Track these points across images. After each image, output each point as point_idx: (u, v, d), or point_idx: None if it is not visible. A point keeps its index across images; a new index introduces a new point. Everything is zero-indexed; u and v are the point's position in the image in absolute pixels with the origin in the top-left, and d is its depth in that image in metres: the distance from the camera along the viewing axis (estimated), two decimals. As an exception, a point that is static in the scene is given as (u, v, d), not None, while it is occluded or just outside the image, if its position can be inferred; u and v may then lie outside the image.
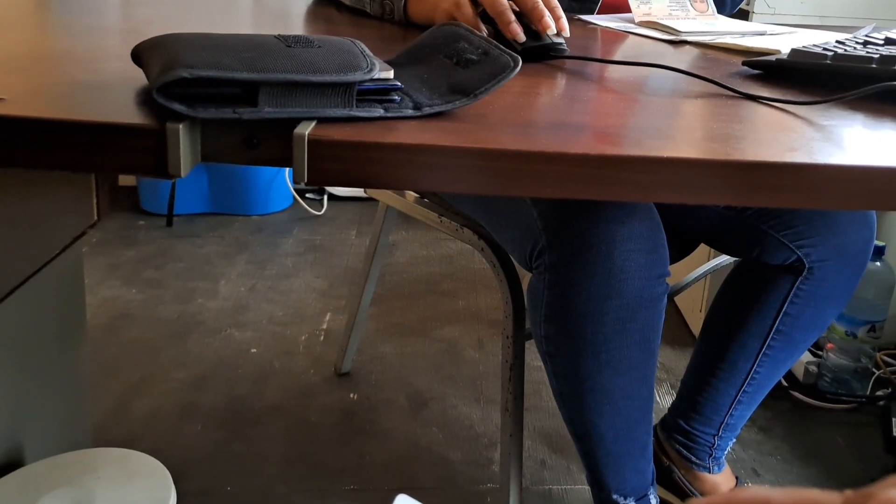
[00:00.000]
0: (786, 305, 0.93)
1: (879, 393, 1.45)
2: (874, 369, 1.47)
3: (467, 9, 0.72)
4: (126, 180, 2.27)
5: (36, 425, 0.93)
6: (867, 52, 0.66)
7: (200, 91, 0.42)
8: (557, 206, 0.77)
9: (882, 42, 0.71)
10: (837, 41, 0.72)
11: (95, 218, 0.81)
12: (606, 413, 0.84)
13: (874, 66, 0.63)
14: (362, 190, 2.08)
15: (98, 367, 1.43)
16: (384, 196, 1.24)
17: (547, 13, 0.70)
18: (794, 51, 0.68)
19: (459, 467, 1.24)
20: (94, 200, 0.81)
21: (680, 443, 1.05)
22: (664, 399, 1.42)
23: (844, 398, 1.43)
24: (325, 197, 2.28)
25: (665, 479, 1.06)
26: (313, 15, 0.93)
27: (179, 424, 1.30)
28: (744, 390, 0.99)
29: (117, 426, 1.29)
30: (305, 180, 0.43)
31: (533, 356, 0.94)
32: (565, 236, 0.76)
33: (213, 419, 1.32)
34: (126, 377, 1.41)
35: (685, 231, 1.00)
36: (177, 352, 1.51)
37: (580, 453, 0.91)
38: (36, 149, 0.42)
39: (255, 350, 1.53)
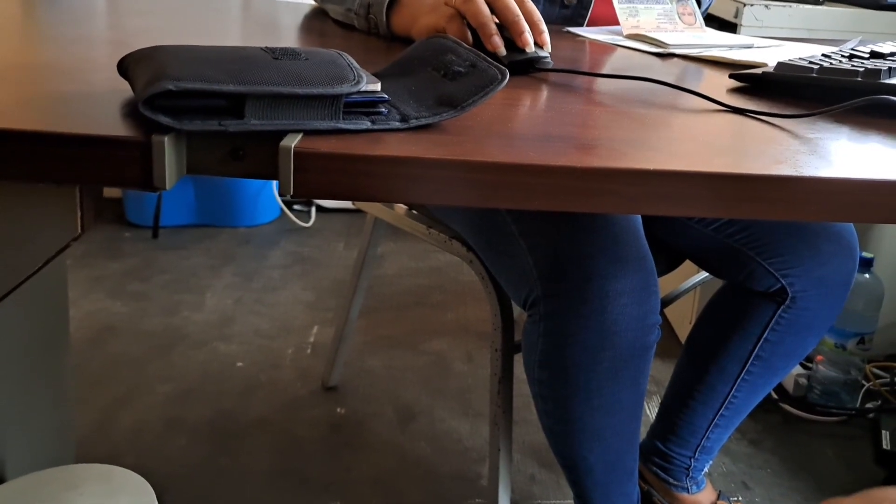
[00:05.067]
0: (767, 332, 0.94)
1: (869, 405, 1.46)
2: (864, 381, 1.48)
3: (458, 23, 0.72)
4: (111, 192, 2.25)
5: (18, 441, 0.91)
6: (852, 66, 0.66)
7: (186, 103, 0.41)
8: (553, 256, 0.78)
9: (867, 55, 0.72)
10: (823, 54, 0.72)
11: (80, 231, 0.81)
12: (596, 449, 0.86)
13: (859, 79, 0.64)
14: (350, 201, 2.08)
15: (82, 380, 1.41)
16: (372, 208, 1.23)
17: (527, 29, 0.70)
18: (780, 64, 0.69)
19: (447, 482, 1.23)
20: (79, 213, 0.80)
21: (657, 465, 1.06)
22: (654, 412, 1.42)
23: (834, 410, 1.43)
24: (313, 209, 2.27)
25: (645, 502, 1.07)
26: (306, 27, 0.93)
27: (164, 439, 1.28)
28: (721, 414, 1.00)
29: (101, 441, 1.27)
30: (291, 193, 0.43)
31: (522, 369, 0.94)
32: (560, 289, 0.77)
33: (199, 433, 1.30)
34: (110, 391, 1.40)
35: (672, 247, 1.01)
36: (162, 365, 1.49)
37: (568, 480, 0.92)
38: (20, 161, 0.42)
39: (241, 363, 1.51)
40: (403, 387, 1.47)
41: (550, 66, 0.70)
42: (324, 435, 1.32)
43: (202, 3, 1.04)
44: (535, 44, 0.70)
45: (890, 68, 0.65)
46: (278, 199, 2.23)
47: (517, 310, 0.91)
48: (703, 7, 1.09)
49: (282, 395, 1.42)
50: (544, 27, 0.72)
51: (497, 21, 0.71)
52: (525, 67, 0.70)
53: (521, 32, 0.69)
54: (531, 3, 0.73)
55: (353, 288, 1.37)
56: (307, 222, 2.21)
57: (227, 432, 1.31)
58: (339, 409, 1.39)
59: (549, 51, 0.71)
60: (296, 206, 2.27)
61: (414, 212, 1.10)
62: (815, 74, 0.66)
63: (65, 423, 1.06)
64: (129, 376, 1.45)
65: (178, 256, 1.96)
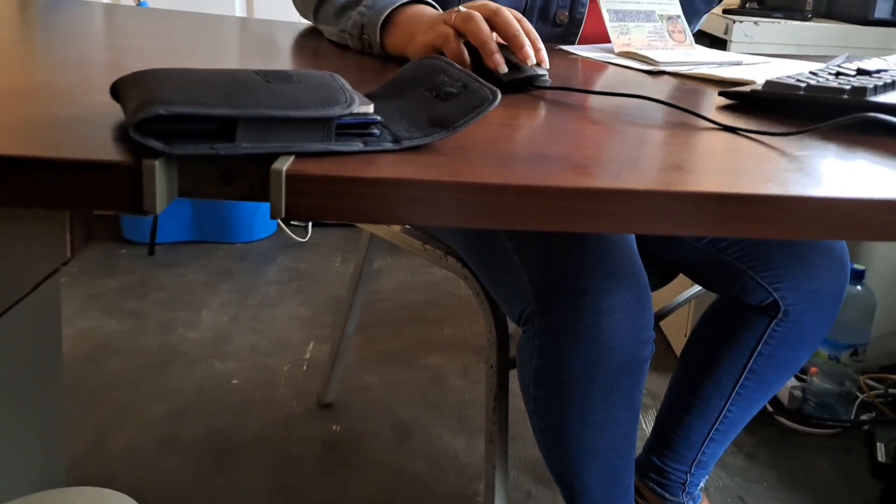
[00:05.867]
0: (760, 345, 0.95)
1: (864, 417, 1.46)
2: (858, 393, 1.48)
3: (455, 43, 0.72)
4: (99, 211, 2.25)
5: (9, 463, 0.91)
6: (839, 83, 0.67)
7: (177, 127, 0.42)
8: (547, 272, 0.79)
9: (854, 73, 0.73)
10: (811, 72, 0.73)
11: (69, 255, 0.80)
12: (592, 465, 0.86)
13: (845, 97, 0.65)
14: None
15: (76, 398, 1.41)
16: (368, 224, 1.23)
17: (528, 43, 0.71)
18: (768, 82, 0.70)
19: (444, 499, 1.22)
20: (68, 238, 0.80)
21: (654, 480, 1.06)
22: (650, 426, 1.42)
23: (829, 423, 1.43)
24: (310, 224, 2.28)
25: None
26: (300, 47, 0.93)
27: (158, 458, 1.27)
28: (716, 428, 1.00)
29: (95, 460, 1.26)
30: (283, 215, 0.43)
31: (518, 384, 0.94)
32: (554, 304, 0.78)
33: (194, 452, 1.29)
34: (104, 409, 1.39)
35: (665, 261, 1.02)
36: (157, 383, 1.48)
37: (564, 497, 0.92)
38: (9, 185, 0.42)
39: (236, 381, 1.51)
40: (400, 403, 1.47)
41: (548, 84, 0.71)
42: (319, 453, 1.31)
43: (198, 24, 1.05)
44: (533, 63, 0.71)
45: (875, 86, 0.66)
46: (274, 215, 2.23)
47: (512, 325, 0.91)
48: (694, 25, 1.10)
49: (277, 412, 1.41)
50: (542, 45, 0.73)
51: (497, 39, 0.72)
52: (523, 85, 0.71)
53: (522, 47, 0.70)
54: (528, 23, 0.73)
55: (349, 303, 1.36)
56: (304, 238, 2.21)
57: (223, 451, 1.30)
58: (334, 427, 1.39)
59: (548, 67, 0.72)
60: (292, 222, 2.28)
61: (409, 228, 1.10)
62: (802, 92, 0.67)
63: (57, 444, 1.05)
64: (124, 395, 1.44)
65: (174, 273, 1.96)
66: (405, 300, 1.89)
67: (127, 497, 0.85)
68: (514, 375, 0.95)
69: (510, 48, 0.71)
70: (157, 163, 0.41)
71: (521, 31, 0.71)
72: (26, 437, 0.95)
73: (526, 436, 1.38)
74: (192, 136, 0.42)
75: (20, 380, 0.93)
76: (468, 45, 0.72)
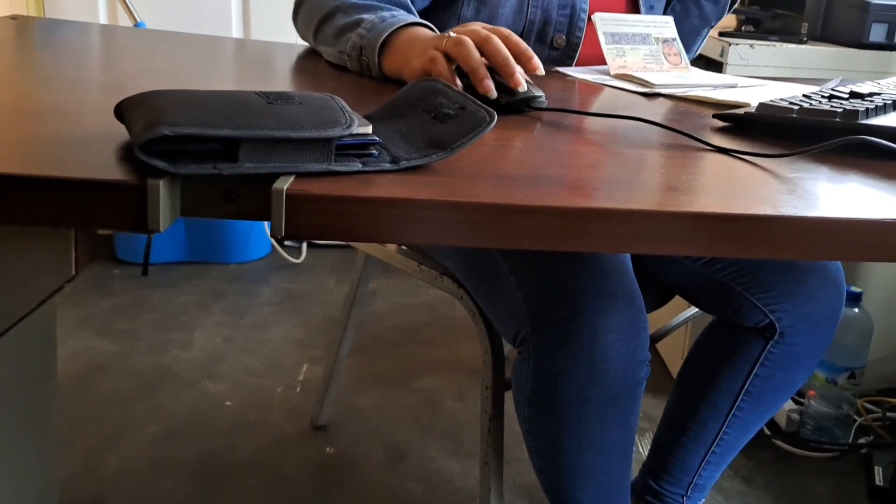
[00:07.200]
0: (756, 367, 0.95)
1: (862, 440, 1.46)
2: (856, 416, 1.48)
3: (443, 66, 0.73)
4: (102, 230, 2.25)
5: (2, 484, 0.90)
6: (831, 107, 0.68)
7: (182, 147, 0.42)
8: (542, 292, 0.79)
9: (847, 96, 0.74)
10: (804, 95, 0.74)
11: (73, 272, 0.80)
12: (587, 488, 0.86)
13: (838, 119, 0.66)
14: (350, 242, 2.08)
15: (69, 419, 1.39)
16: (363, 245, 1.24)
17: (519, 70, 0.71)
18: (761, 105, 0.71)
19: (440, 522, 1.21)
20: (73, 255, 0.80)
21: (649, 503, 1.05)
22: (646, 449, 1.41)
23: (827, 446, 1.43)
24: (304, 245, 2.28)
25: None
26: (299, 68, 0.94)
27: (151, 480, 1.26)
28: (713, 450, 1.00)
29: (87, 482, 1.24)
30: (283, 234, 0.43)
31: (513, 407, 0.93)
32: (549, 325, 0.78)
33: (186, 474, 1.28)
34: (97, 430, 1.38)
35: (661, 283, 1.02)
36: (149, 404, 1.47)
37: None
38: (15, 204, 0.42)
39: (229, 402, 1.50)
40: (394, 425, 1.46)
41: (544, 106, 0.72)
42: (313, 475, 1.30)
43: (197, 45, 1.06)
44: (529, 83, 0.72)
45: (868, 109, 0.67)
46: (269, 235, 2.23)
47: (508, 347, 0.91)
48: (694, 49, 1.12)
49: (270, 434, 1.40)
50: (532, 54, 0.73)
51: (487, 64, 0.73)
52: (520, 106, 0.71)
53: (512, 74, 0.70)
54: (518, 37, 0.74)
55: (343, 325, 1.36)
56: (298, 258, 2.21)
57: (216, 473, 1.29)
58: (328, 449, 1.37)
59: (542, 72, 0.73)
60: (287, 243, 2.28)
61: (405, 248, 1.10)
62: (795, 115, 0.68)
63: (50, 465, 1.04)
64: (116, 416, 1.43)
65: (168, 294, 1.95)
66: (400, 321, 1.89)
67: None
68: (509, 398, 0.95)
69: (501, 75, 0.72)
70: (161, 182, 0.41)
71: (510, 58, 0.71)
72: (20, 458, 0.94)
73: (521, 459, 1.37)
74: (195, 156, 0.42)
75: (15, 400, 0.92)
76: (460, 70, 0.73)
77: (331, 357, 1.39)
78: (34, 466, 0.99)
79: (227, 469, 1.30)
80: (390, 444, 1.40)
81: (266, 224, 2.20)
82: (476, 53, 0.71)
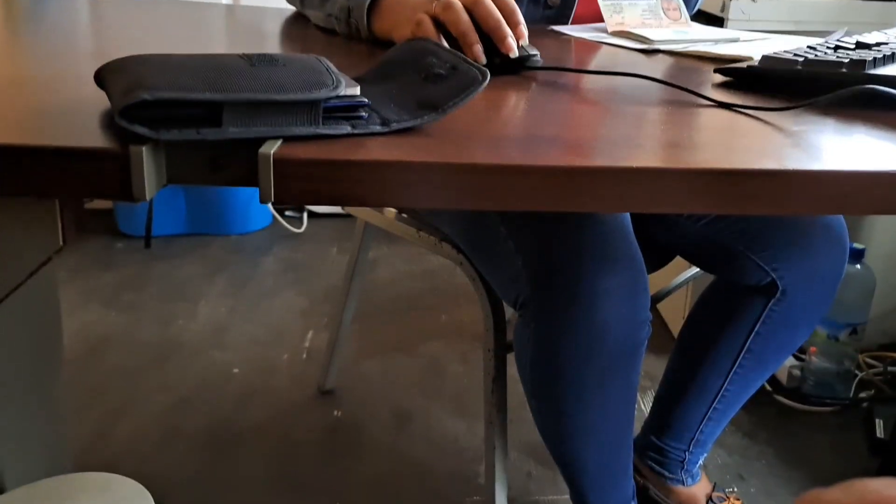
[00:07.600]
0: (758, 325, 0.94)
1: (862, 395, 1.46)
2: (857, 371, 1.48)
3: (431, 32, 0.71)
4: (102, 203, 2.24)
5: (15, 451, 0.91)
6: (837, 57, 0.66)
7: (164, 113, 0.41)
8: (542, 256, 0.78)
9: (853, 46, 0.72)
10: (809, 46, 0.72)
11: (61, 243, 0.80)
12: (590, 446, 0.86)
13: (844, 70, 0.64)
14: (341, 206, 2.07)
15: (79, 391, 1.41)
16: (362, 212, 1.23)
17: (510, 34, 0.69)
18: (764, 57, 0.69)
19: (445, 482, 1.23)
20: (60, 225, 0.80)
21: (653, 459, 1.07)
22: (648, 407, 1.42)
23: (828, 401, 1.44)
24: (305, 214, 2.27)
25: (641, 497, 1.08)
26: (287, 33, 0.92)
27: (162, 447, 1.28)
28: (714, 407, 1.00)
29: (99, 451, 1.26)
30: (272, 199, 0.42)
31: (516, 368, 0.94)
32: (549, 289, 0.77)
33: (196, 441, 1.29)
34: (107, 401, 1.39)
35: (662, 244, 1.01)
36: (158, 375, 1.48)
37: (564, 477, 0.92)
38: (-3, 175, 0.41)
39: (236, 371, 1.51)
40: (399, 390, 1.47)
41: (540, 65, 0.70)
42: (321, 439, 1.32)
43: (185, 12, 1.03)
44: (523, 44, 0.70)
45: (875, 58, 0.65)
46: (270, 205, 2.22)
47: (509, 310, 0.91)
48: (692, 5, 1.09)
49: (278, 401, 1.42)
50: (519, 19, 0.70)
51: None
52: (514, 66, 0.70)
53: (504, 38, 0.68)
54: (511, 2, 0.72)
55: (346, 293, 1.36)
56: (299, 228, 2.20)
57: (225, 439, 1.30)
58: (335, 412, 1.39)
59: (527, 43, 0.71)
60: (287, 213, 2.27)
61: (404, 215, 1.10)
62: (799, 67, 0.66)
63: (62, 433, 1.05)
64: (126, 387, 1.44)
65: (171, 266, 1.96)
66: (402, 289, 1.89)
67: (134, 482, 0.85)
68: (512, 360, 0.95)
69: (493, 40, 0.69)
70: (144, 149, 0.40)
71: (502, 21, 0.69)
72: (33, 426, 0.96)
73: (525, 419, 1.38)
74: (178, 121, 0.41)
75: (22, 370, 0.93)
76: (449, 34, 0.71)
77: (335, 324, 1.39)
78: (46, 434, 1.00)
79: (237, 435, 1.31)
80: (396, 408, 1.41)
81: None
82: (465, 17, 0.69)
